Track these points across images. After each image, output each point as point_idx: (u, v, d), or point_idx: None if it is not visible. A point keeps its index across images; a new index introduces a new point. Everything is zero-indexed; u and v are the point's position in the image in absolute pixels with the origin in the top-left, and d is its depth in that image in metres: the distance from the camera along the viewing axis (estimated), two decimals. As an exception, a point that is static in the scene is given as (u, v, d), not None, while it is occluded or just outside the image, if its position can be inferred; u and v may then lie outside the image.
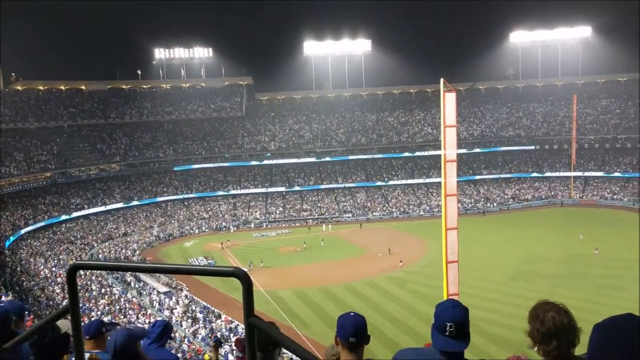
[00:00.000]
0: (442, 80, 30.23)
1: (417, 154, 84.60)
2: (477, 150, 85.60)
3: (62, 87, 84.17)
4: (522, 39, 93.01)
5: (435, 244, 44.15)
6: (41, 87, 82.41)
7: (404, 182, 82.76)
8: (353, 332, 2.95)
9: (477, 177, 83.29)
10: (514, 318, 28.42)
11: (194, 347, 29.58)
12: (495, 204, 78.17)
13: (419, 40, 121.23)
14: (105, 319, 32.61)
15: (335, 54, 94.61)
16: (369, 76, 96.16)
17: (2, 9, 69.53)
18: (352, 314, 3.07)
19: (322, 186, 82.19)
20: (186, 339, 31.10)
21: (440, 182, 33.49)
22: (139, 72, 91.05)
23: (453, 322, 2.58)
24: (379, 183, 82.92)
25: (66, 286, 2.35)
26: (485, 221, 68.55)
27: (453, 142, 30.75)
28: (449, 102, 30.13)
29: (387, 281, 43.78)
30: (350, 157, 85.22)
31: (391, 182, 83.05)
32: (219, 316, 35.12)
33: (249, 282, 1.92)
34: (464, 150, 78.68)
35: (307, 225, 71.12)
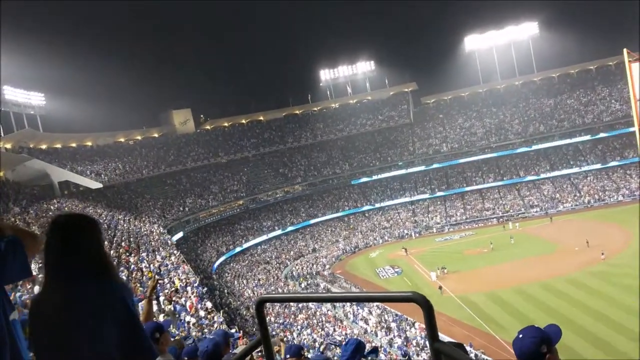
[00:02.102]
0: (625, 50, 27.42)
1: (607, 134, 76.87)
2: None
3: (244, 121, 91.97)
4: None
5: (641, 231, 39.84)
6: (226, 124, 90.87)
7: (595, 166, 75.58)
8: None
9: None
10: None
11: (391, 356, 30.01)
12: None
13: (591, 10, 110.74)
14: (307, 333, 34.59)
15: (500, 43, 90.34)
16: (539, 60, 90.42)
17: (193, 66, 78.16)
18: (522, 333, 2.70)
19: (503, 182, 78.48)
20: (383, 349, 31.68)
21: (638, 162, 30.13)
22: (309, 96, 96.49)
23: None
24: (566, 171, 76.69)
25: (256, 319, 2.52)
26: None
27: (647, 116, 27.61)
28: (636, 73, 27.22)
29: (589, 276, 40.22)
30: (531, 148, 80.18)
31: (581, 169, 76.43)
32: (413, 324, 35.21)
33: (430, 307, 1.84)
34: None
35: (501, 223, 68.31)
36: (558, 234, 56.84)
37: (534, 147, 79.83)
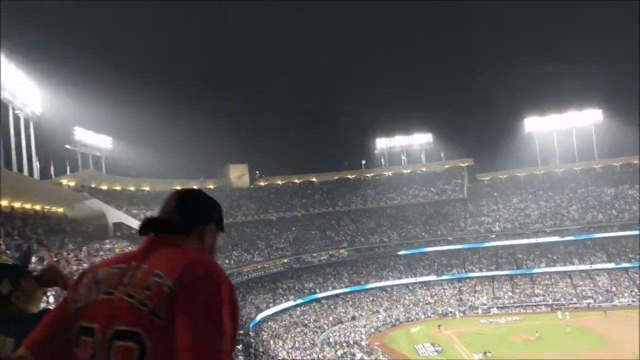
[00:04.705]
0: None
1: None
2: None
3: (297, 181, 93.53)
4: None
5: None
6: (279, 182, 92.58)
7: (656, 262, 72.04)
8: None
9: None
10: None
11: None
12: None
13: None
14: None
15: (561, 128, 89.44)
16: (602, 147, 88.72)
17: (248, 123, 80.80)
18: None
19: (555, 269, 75.60)
20: None
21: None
22: (362, 162, 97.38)
23: None
24: (624, 264, 73.38)
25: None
26: None
27: None
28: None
29: (643, 380, 37.73)
30: (587, 236, 77.41)
31: (640, 263, 72.99)
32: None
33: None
34: None
35: (551, 311, 65.72)
36: (612, 330, 53.80)
37: (591, 236, 77.05)
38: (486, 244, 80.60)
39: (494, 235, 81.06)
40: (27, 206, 44.59)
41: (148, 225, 2.03)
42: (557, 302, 68.97)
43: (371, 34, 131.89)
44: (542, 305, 69.44)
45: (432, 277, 78.87)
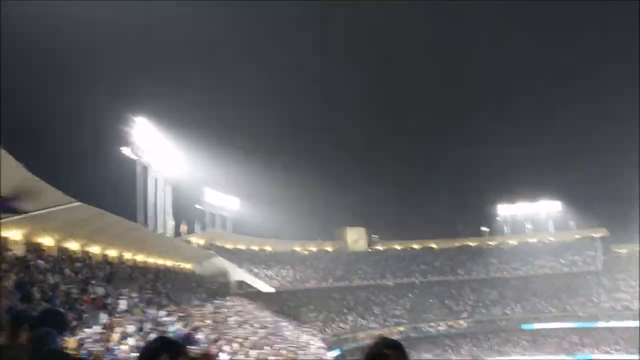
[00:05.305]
0: None
1: None
2: None
3: (415, 246, 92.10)
4: None
5: None
6: (397, 247, 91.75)
7: None
8: None
9: None
10: None
11: None
12: None
13: None
14: None
15: None
16: None
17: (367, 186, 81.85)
18: None
19: None
20: None
21: None
22: (485, 229, 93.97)
23: None
24: None
25: None
26: None
27: None
28: None
29: None
30: None
31: None
32: None
33: None
34: None
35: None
36: None
37: None
38: (624, 323, 73.33)
39: (633, 314, 73.63)
40: (160, 262, 48.20)
41: None
42: None
43: (492, 93, 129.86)
44: (693, 398, 61.22)
45: (562, 357, 72.82)
